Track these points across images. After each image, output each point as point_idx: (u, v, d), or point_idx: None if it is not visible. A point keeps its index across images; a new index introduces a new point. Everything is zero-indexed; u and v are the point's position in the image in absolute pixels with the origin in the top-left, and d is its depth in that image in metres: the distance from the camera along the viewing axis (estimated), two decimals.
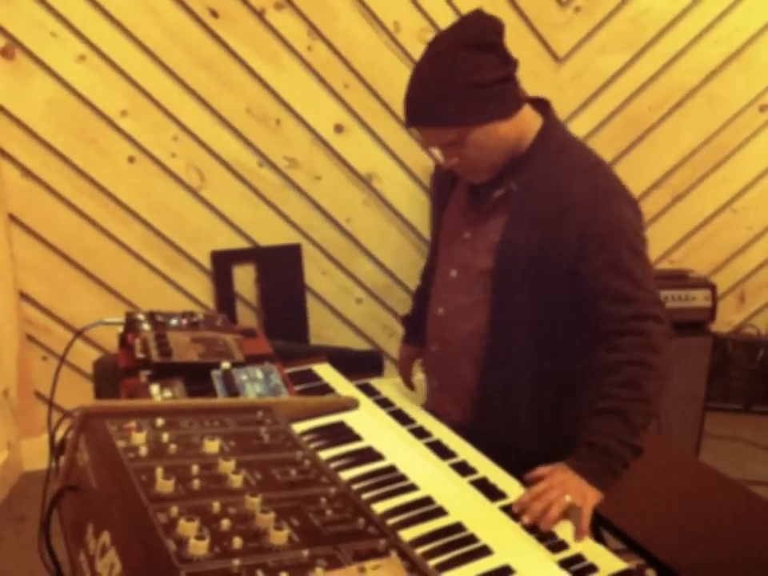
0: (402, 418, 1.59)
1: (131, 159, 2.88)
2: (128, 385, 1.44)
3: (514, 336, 1.54)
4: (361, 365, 1.84)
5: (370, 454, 1.36)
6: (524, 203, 1.52)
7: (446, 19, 3.07)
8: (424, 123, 1.52)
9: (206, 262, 3.07)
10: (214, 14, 2.85)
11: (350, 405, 1.53)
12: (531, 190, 1.52)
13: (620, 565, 1.15)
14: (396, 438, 1.47)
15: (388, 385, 1.77)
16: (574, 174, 1.51)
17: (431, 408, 1.69)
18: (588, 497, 1.32)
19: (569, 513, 1.28)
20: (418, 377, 1.87)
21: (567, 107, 3.27)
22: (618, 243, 1.46)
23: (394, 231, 3.30)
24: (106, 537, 0.95)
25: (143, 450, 1.09)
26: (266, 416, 1.30)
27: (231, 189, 3.03)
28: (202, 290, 3.09)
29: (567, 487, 1.31)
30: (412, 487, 1.27)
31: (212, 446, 1.14)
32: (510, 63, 1.48)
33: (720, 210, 3.56)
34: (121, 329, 1.65)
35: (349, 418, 1.48)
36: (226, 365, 1.49)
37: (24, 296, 2.88)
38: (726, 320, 3.60)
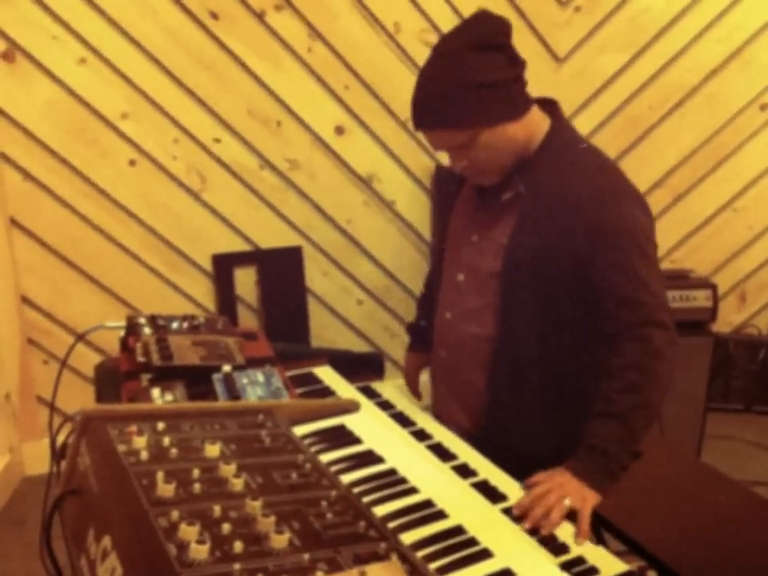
0: (402, 420, 1.59)
1: (132, 162, 2.88)
2: (129, 388, 1.44)
3: (524, 338, 1.52)
4: (362, 367, 1.84)
5: (370, 457, 1.36)
6: (533, 205, 1.50)
7: (446, 20, 3.09)
8: (433, 126, 1.50)
9: (207, 265, 3.07)
10: (214, 15, 2.85)
11: (351, 407, 1.53)
12: (540, 192, 1.50)
13: (621, 567, 1.15)
14: (397, 440, 1.47)
15: (389, 387, 1.77)
16: (584, 176, 1.49)
17: (438, 415, 1.67)
18: (587, 499, 1.32)
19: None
20: (423, 378, 1.86)
21: (567, 107, 3.25)
22: (628, 246, 1.45)
23: (395, 232, 3.30)
24: (107, 541, 0.95)
25: (144, 454, 1.09)
26: (266, 419, 1.30)
27: (232, 191, 3.04)
28: (203, 292, 3.09)
29: (566, 490, 1.31)
30: (413, 490, 1.27)
31: (213, 449, 1.14)
32: (518, 63, 1.47)
33: (721, 209, 3.56)
34: (122, 332, 1.66)
35: (349, 421, 1.48)
36: (227, 368, 1.50)
37: (25, 299, 2.88)
38: (727, 320, 3.60)
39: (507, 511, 1.27)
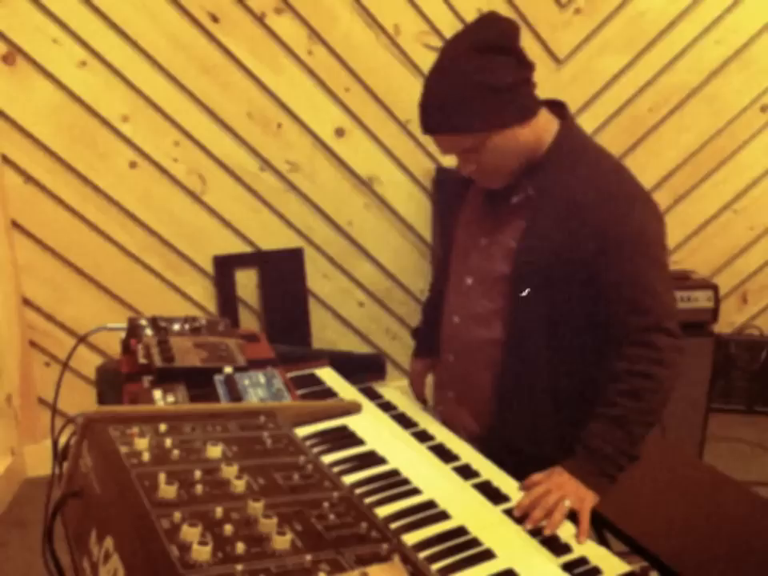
0: (404, 421, 1.59)
1: (133, 164, 2.89)
2: (130, 390, 1.44)
3: (532, 342, 1.52)
4: (363, 368, 1.84)
5: (372, 458, 1.36)
6: (542, 208, 1.49)
7: (445, 22, 3.09)
8: (441, 130, 1.48)
9: (208, 267, 3.07)
10: (215, 18, 2.86)
11: (353, 409, 1.53)
12: (549, 195, 1.49)
13: (624, 567, 1.15)
14: (399, 441, 1.46)
15: (391, 389, 1.77)
16: (594, 179, 1.48)
17: (446, 420, 1.66)
18: (586, 500, 1.34)
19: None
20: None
21: None
22: (639, 252, 1.44)
23: (395, 234, 3.30)
24: (109, 542, 0.95)
25: (146, 456, 1.09)
26: (268, 421, 1.30)
27: (233, 193, 3.04)
28: (204, 294, 3.09)
29: (565, 490, 1.31)
30: (415, 491, 1.27)
31: (214, 451, 1.14)
32: (526, 66, 1.45)
33: (721, 210, 3.56)
34: (123, 334, 1.66)
35: (351, 422, 1.48)
36: (228, 369, 1.50)
37: (26, 301, 2.88)
38: (729, 321, 3.60)
39: (509, 512, 1.27)
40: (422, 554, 1.09)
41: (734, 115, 3.44)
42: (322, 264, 3.23)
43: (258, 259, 3.13)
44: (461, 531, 1.17)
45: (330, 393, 1.66)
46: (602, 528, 1.65)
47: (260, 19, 2.91)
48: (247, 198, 3.06)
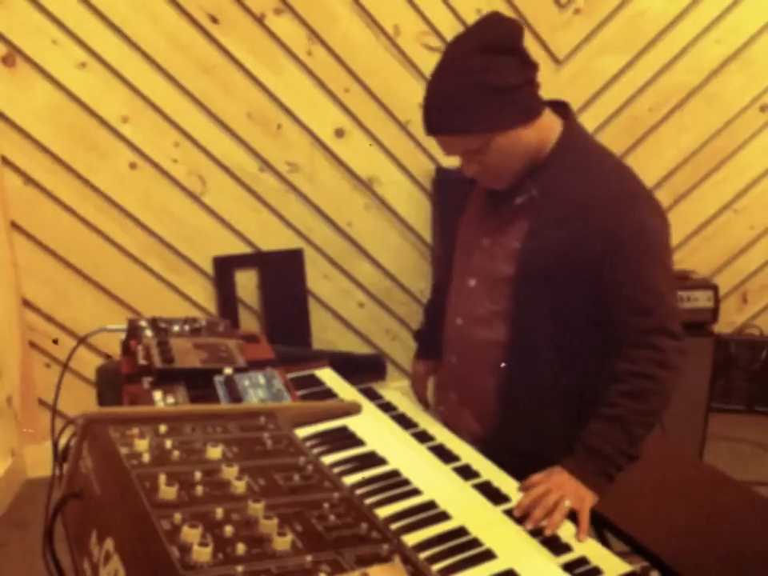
0: (404, 422, 1.59)
1: (132, 165, 2.89)
2: (130, 391, 1.44)
3: (536, 343, 1.51)
4: (363, 369, 1.84)
5: (372, 459, 1.36)
6: (546, 209, 1.48)
7: (445, 22, 3.09)
8: (445, 132, 1.47)
9: (208, 268, 3.07)
10: (214, 19, 2.86)
11: (353, 409, 1.53)
12: (553, 196, 1.48)
13: (624, 567, 1.15)
14: (399, 442, 1.46)
15: (391, 390, 1.77)
16: (599, 179, 1.47)
17: (448, 422, 1.65)
18: (585, 499, 1.34)
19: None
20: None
21: None
22: (643, 253, 1.44)
23: (395, 234, 3.30)
24: (109, 544, 0.95)
25: (146, 457, 1.09)
26: (268, 421, 1.30)
27: (233, 194, 3.04)
28: (204, 295, 3.09)
29: (565, 490, 1.32)
30: (415, 491, 1.27)
31: (215, 452, 1.14)
32: (530, 66, 1.44)
33: (721, 210, 3.56)
34: (123, 335, 1.66)
35: (351, 423, 1.48)
36: (228, 370, 1.50)
37: (26, 303, 2.88)
38: (729, 321, 3.60)
39: (510, 512, 1.27)
40: (423, 555, 1.09)
41: (734, 115, 3.44)
42: (322, 265, 3.23)
43: (258, 260, 3.13)
44: (461, 532, 1.17)
45: (330, 393, 1.66)
46: (602, 528, 1.65)
47: (259, 20, 2.91)
48: (247, 198, 3.06)
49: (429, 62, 3.12)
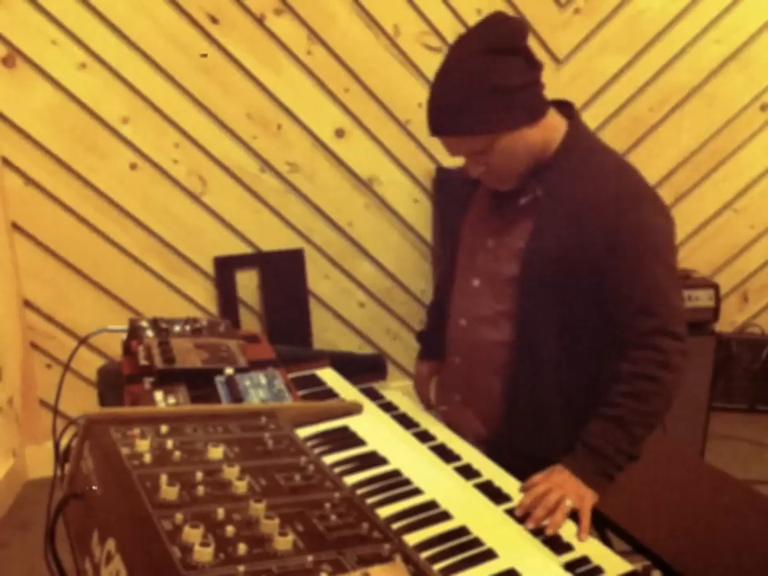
0: (405, 421, 1.59)
1: (133, 166, 2.89)
2: (132, 392, 1.44)
3: (541, 343, 1.51)
4: (364, 369, 1.84)
5: (373, 459, 1.36)
6: (551, 209, 1.48)
7: (445, 22, 3.09)
8: (450, 132, 1.46)
9: (209, 268, 3.07)
10: (214, 19, 2.86)
11: (354, 409, 1.53)
12: (558, 196, 1.48)
13: (626, 566, 1.15)
14: (400, 441, 1.46)
15: (392, 390, 1.77)
16: (603, 180, 1.47)
17: (452, 423, 1.64)
18: (586, 498, 1.34)
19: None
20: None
21: None
22: (649, 254, 1.43)
23: (396, 234, 3.30)
24: (111, 544, 0.95)
25: (147, 457, 1.09)
26: (269, 421, 1.30)
27: (233, 194, 3.04)
28: (205, 295, 3.09)
29: (566, 489, 1.32)
30: (416, 491, 1.26)
31: (216, 452, 1.14)
32: (535, 66, 1.44)
33: (722, 209, 3.56)
34: (124, 336, 1.66)
35: (353, 423, 1.48)
36: (229, 370, 1.50)
37: (27, 303, 2.88)
38: (730, 320, 3.60)
39: (511, 512, 1.27)
40: (424, 555, 1.09)
41: (734, 114, 3.44)
42: (323, 264, 3.23)
43: (259, 260, 3.13)
44: (462, 531, 1.17)
45: (331, 393, 1.66)
46: (604, 527, 1.65)
47: (259, 20, 2.91)
48: (247, 198, 3.06)
49: (429, 62, 3.15)
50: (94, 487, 1.08)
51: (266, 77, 2.97)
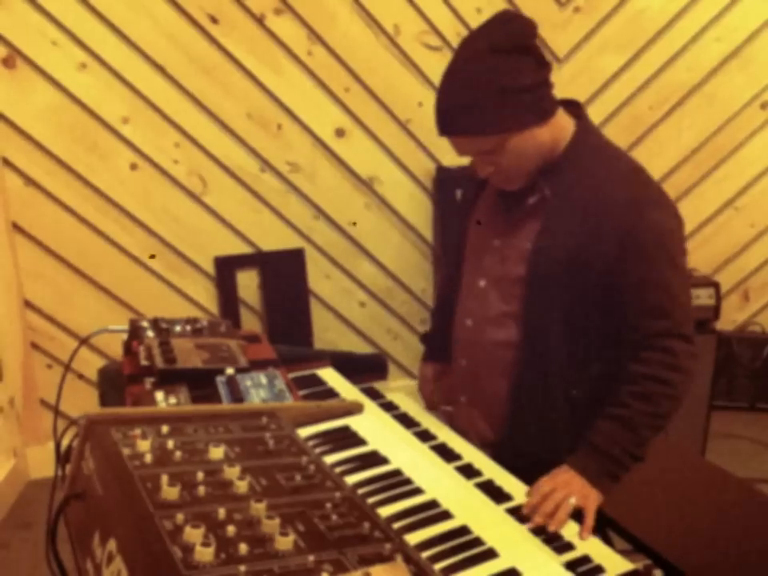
0: (406, 421, 1.59)
1: (133, 166, 2.89)
2: (133, 392, 1.44)
3: (548, 344, 1.49)
4: (365, 368, 1.84)
5: (374, 458, 1.36)
6: (559, 209, 1.47)
7: (445, 22, 3.09)
8: (459, 133, 1.44)
9: (209, 268, 3.07)
10: (214, 20, 2.86)
11: (355, 409, 1.53)
12: (567, 196, 1.47)
13: (627, 565, 1.16)
14: (401, 441, 1.46)
15: (393, 390, 1.77)
16: (612, 180, 1.46)
17: (457, 425, 1.64)
18: (590, 497, 1.35)
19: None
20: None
21: None
22: (659, 256, 1.42)
23: (396, 234, 3.30)
24: (112, 544, 0.95)
25: (148, 457, 1.09)
26: (270, 421, 1.30)
27: (233, 194, 3.04)
28: (206, 295, 3.09)
29: (571, 488, 1.32)
30: (417, 491, 1.27)
31: (217, 452, 1.14)
32: (544, 66, 1.43)
33: (722, 208, 3.56)
34: (125, 336, 1.66)
35: (353, 422, 1.48)
36: (230, 371, 1.50)
37: (28, 304, 2.89)
38: (730, 318, 3.59)
39: (512, 511, 1.27)
40: (425, 554, 1.09)
41: (734, 113, 3.44)
42: (323, 264, 3.23)
43: (259, 260, 3.13)
44: (463, 531, 1.17)
45: (331, 393, 1.66)
46: (605, 526, 1.65)
47: (259, 20, 2.91)
48: (248, 198, 3.06)
49: (429, 62, 3.15)
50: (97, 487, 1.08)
51: (266, 77, 2.97)
